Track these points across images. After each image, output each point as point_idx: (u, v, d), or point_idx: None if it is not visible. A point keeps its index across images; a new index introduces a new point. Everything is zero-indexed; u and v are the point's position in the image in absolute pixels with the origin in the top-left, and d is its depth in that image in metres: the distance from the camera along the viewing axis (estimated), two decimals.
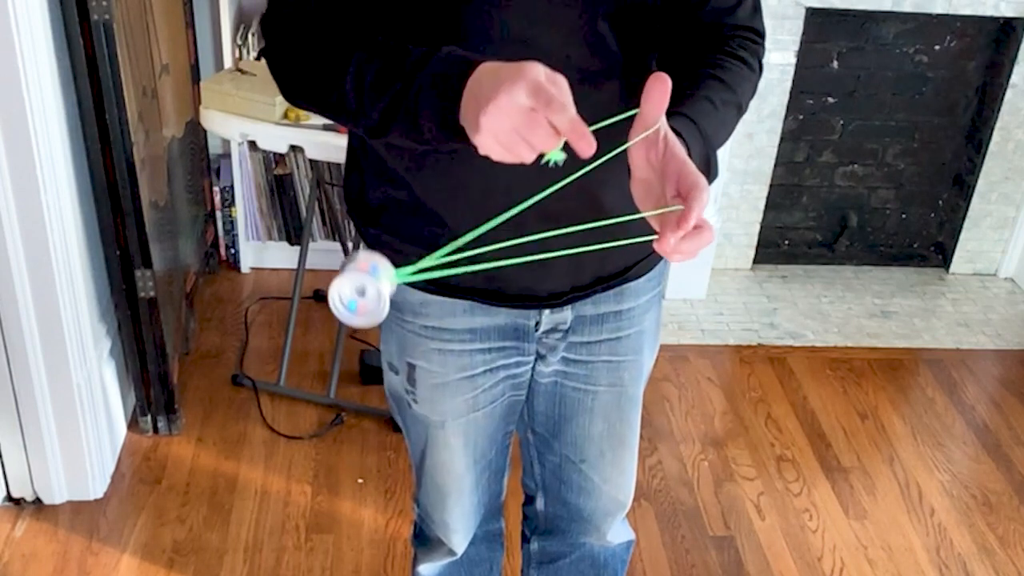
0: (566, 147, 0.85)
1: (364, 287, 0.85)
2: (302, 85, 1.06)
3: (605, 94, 1.06)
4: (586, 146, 0.82)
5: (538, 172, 0.88)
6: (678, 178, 0.88)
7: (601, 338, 1.25)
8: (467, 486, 1.36)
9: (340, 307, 0.86)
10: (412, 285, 1.18)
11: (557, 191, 0.90)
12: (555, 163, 0.85)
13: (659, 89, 0.88)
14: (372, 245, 1.21)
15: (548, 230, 0.95)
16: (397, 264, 1.22)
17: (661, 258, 1.25)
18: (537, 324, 1.21)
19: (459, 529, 1.42)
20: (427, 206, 1.12)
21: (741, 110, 1.08)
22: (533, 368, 1.27)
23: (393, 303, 1.21)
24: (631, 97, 1.10)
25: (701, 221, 0.86)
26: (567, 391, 1.30)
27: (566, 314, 1.21)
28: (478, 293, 1.16)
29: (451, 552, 1.46)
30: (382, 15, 1.04)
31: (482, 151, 0.86)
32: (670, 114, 0.91)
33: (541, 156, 0.85)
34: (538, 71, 0.83)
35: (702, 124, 0.99)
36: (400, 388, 1.29)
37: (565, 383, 1.29)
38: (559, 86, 0.84)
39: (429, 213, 1.11)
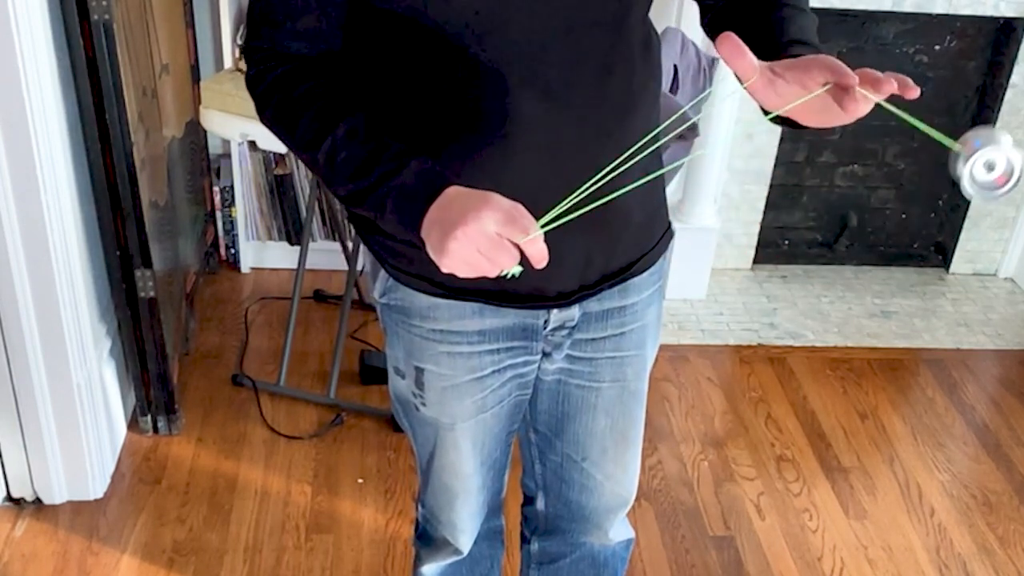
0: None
1: (992, 161, 0.85)
2: (278, 130, 1.09)
3: (597, 45, 1.06)
4: (543, 262, 0.91)
5: (547, 175, 0.89)
6: (813, 72, 0.91)
7: (606, 334, 1.25)
8: (474, 486, 1.37)
9: (977, 190, 0.86)
10: (420, 289, 1.18)
11: (569, 187, 0.92)
12: (513, 275, 0.93)
13: (732, 46, 0.91)
14: (377, 252, 1.21)
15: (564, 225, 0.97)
16: (403, 271, 1.21)
17: (663, 252, 1.27)
18: (546, 322, 1.22)
19: (466, 529, 1.42)
20: None
21: (815, 22, 1.11)
22: (538, 366, 1.28)
23: (400, 308, 1.22)
24: (622, 48, 1.09)
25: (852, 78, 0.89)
26: (571, 389, 1.30)
27: (573, 311, 1.22)
28: (488, 295, 1.17)
29: (457, 552, 1.46)
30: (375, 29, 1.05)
31: (445, 270, 0.93)
32: (785, 53, 0.96)
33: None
34: (501, 200, 0.91)
35: (811, 41, 1.03)
36: (407, 392, 1.29)
37: (569, 380, 1.30)
38: (520, 212, 0.91)
39: None
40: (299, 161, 2.80)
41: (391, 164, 0.99)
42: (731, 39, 0.91)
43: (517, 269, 0.92)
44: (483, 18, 1.00)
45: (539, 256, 0.91)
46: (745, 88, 0.93)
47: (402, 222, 0.98)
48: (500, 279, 0.95)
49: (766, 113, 0.98)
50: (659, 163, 1.22)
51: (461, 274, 0.93)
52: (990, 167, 0.85)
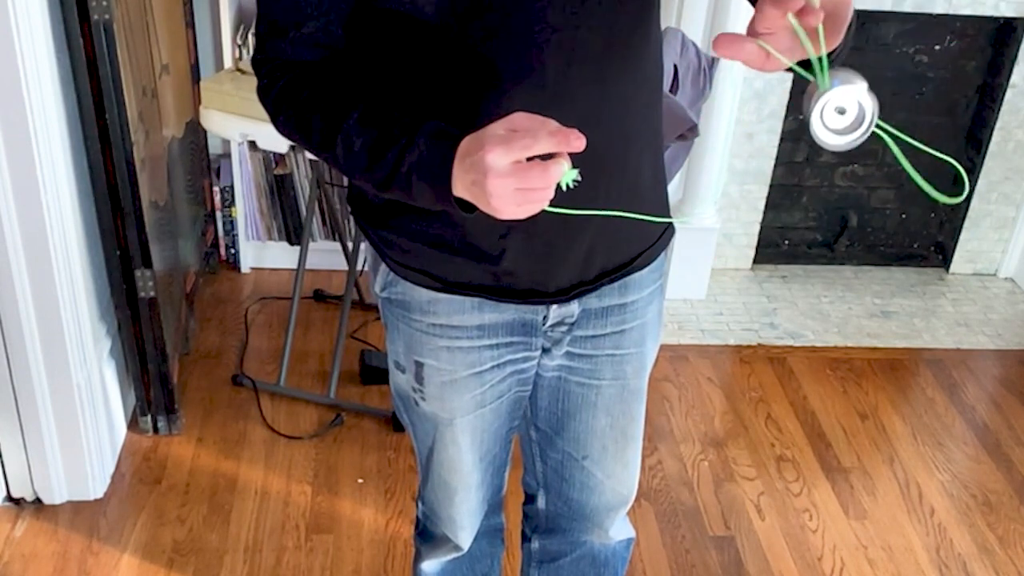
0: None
1: (842, 106, 0.82)
2: (294, 134, 1.08)
3: (596, 42, 1.06)
4: (578, 143, 0.86)
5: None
6: (771, 11, 0.86)
7: (606, 332, 1.26)
8: (474, 482, 1.37)
9: (829, 135, 0.82)
10: (420, 284, 1.18)
11: (583, 173, 0.91)
12: (575, 182, 0.89)
13: (728, 43, 0.87)
14: (378, 246, 1.21)
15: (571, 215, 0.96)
16: (403, 265, 1.21)
17: (664, 248, 1.27)
18: (545, 318, 1.22)
19: (466, 525, 1.43)
20: None
21: None
22: (538, 362, 1.28)
23: (400, 302, 1.22)
24: (622, 45, 1.08)
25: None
26: (571, 386, 1.31)
27: (573, 307, 1.22)
28: (487, 290, 1.17)
29: (456, 548, 1.46)
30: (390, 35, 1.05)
31: (506, 216, 0.90)
32: None
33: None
34: (494, 128, 0.89)
35: None
36: (407, 387, 1.30)
37: (569, 378, 1.30)
38: (515, 122, 0.88)
39: (436, 211, 1.12)
40: (299, 160, 2.80)
41: (401, 142, 0.98)
42: (723, 39, 0.88)
43: (572, 173, 0.88)
44: (482, 15, 1.00)
45: (565, 142, 0.86)
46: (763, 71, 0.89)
47: (435, 192, 0.96)
48: (501, 274, 0.94)
49: (791, 70, 0.94)
50: (661, 160, 1.22)
51: (526, 215, 0.90)
52: (841, 111, 0.83)
